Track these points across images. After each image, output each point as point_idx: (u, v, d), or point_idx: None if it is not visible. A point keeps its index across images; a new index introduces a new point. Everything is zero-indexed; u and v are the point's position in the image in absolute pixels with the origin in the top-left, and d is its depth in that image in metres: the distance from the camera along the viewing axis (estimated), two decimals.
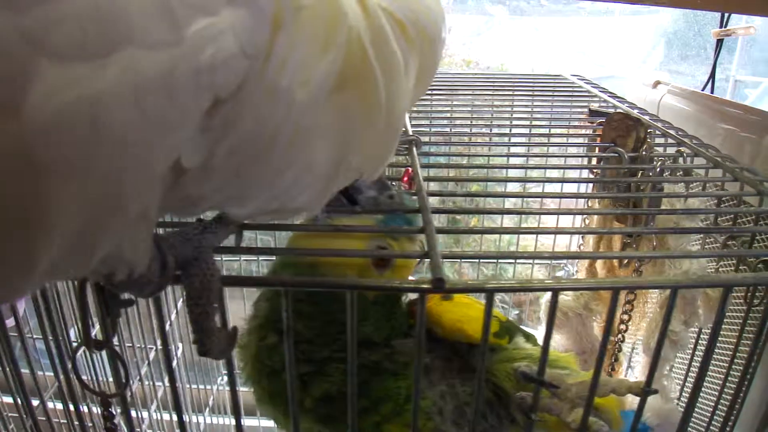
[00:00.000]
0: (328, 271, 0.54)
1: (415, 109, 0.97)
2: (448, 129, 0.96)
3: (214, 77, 0.30)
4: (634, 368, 0.96)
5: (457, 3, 2.59)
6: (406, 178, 0.66)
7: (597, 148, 0.80)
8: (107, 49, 0.26)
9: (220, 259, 0.99)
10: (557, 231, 0.61)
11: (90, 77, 0.25)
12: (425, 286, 0.42)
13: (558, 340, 0.92)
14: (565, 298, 0.87)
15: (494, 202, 1.10)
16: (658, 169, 0.70)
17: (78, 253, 0.29)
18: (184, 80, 0.28)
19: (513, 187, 0.99)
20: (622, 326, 0.80)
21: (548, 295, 0.83)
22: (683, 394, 0.86)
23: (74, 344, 0.70)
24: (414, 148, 0.71)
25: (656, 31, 2.45)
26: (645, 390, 0.51)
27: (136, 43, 0.27)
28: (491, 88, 1.10)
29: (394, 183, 0.63)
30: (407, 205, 0.54)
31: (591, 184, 0.86)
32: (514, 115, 0.98)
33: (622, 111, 0.77)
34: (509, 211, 0.63)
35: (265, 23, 0.32)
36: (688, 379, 0.84)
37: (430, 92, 1.07)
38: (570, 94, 1.07)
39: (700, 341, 0.81)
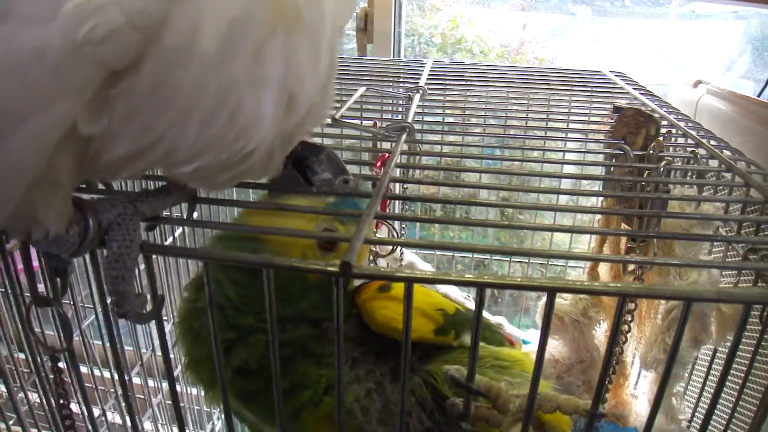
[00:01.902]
0: (272, 248, 0.54)
1: (429, 97, 0.96)
2: (460, 120, 0.94)
3: (97, 49, 0.31)
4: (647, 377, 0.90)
5: (539, 1, 2.52)
6: (379, 163, 0.65)
7: (605, 145, 0.76)
8: None
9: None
10: (540, 228, 0.57)
11: None
12: (332, 269, 0.41)
13: (555, 347, 0.87)
14: (561, 301, 0.82)
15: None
16: (662, 169, 0.65)
17: None
18: (61, 53, 0.30)
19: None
20: (622, 337, 0.75)
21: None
22: (695, 417, 0.81)
23: None
24: (404, 135, 0.70)
25: (744, 37, 2.27)
26: (592, 413, 0.48)
27: (14, 18, 0.29)
28: (514, 81, 1.06)
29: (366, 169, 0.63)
30: (361, 191, 0.54)
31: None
32: (530, 108, 0.95)
33: (635, 107, 0.72)
34: (478, 204, 0.61)
35: None
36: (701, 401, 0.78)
37: (450, 82, 1.05)
38: (601, 90, 1.02)
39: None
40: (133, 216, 0.44)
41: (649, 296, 0.75)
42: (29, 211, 0.37)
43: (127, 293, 0.43)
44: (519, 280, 0.42)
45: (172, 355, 1.10)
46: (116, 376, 0.95)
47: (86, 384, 0.97)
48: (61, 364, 0.53)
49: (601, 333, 0.86)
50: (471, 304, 1.11)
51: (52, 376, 0.53)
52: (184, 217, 0.55)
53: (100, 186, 0.54)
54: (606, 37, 2.46)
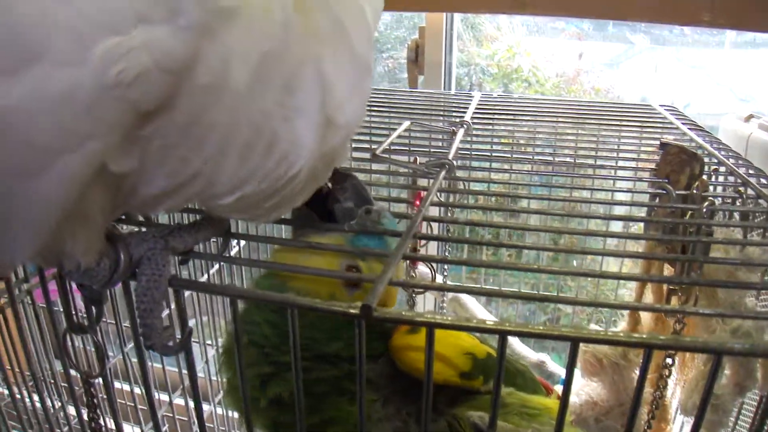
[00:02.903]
0: (302, 286, 0.55)
1: (475, 132, 0.96)
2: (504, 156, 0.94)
3: (127, 91, 0.32)
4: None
5: (597, 29, 2.49)
6: (417, 202, 0.65)
7: (648, 184, 0.74)
8: (16, 67, 0.30)
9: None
10: (575, 273, 0.56)
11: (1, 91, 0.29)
12: (353, 311, 0.41)
13: (594, 389, 0.84)
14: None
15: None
16: (704, 210, 0.63)
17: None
18: (92, 95, 0.32)
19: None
20: (662, 381, 0.72)
21: None
22: None
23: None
24: (442, 172, 0.70)
25: None
26: None
27: (45, 61, 0.30)
28: (563, 115, 1.05)
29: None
30: (384, 225, 0.54)
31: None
32: (579, 145, 0.93)
33: (679, 144, 0.70)
34: (509, 245, 0.60)
35: (187, 38, 0.34)
36: None
37: (497, 115, 1.05)
38: (651, 125, 0.99)
39: None
40: (163, 250, 0.46)
41: (676, 348, 0.71)
42: (59, 245, 0.39)
43: (154, 326, 0.45)
44: (541, 328, 0.42)
45: (214, 378, 1.13)
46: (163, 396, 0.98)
47: (128, 404, 1.02)
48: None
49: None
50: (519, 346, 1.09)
51: (86, 399, 0.55)
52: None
53: (140, 218, 0.56)
54: (665, 66, 2.40)
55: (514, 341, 1.06)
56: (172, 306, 0.51)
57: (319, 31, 0.41)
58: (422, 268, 1.12)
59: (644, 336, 0.40)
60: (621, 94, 2.38)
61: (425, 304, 1.47)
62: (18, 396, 0.77)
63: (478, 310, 1.17)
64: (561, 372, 1.00)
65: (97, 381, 0.56)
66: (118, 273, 0.44)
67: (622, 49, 2.50)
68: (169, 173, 0.39)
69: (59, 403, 0.80)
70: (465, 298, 1.10)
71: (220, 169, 0.39)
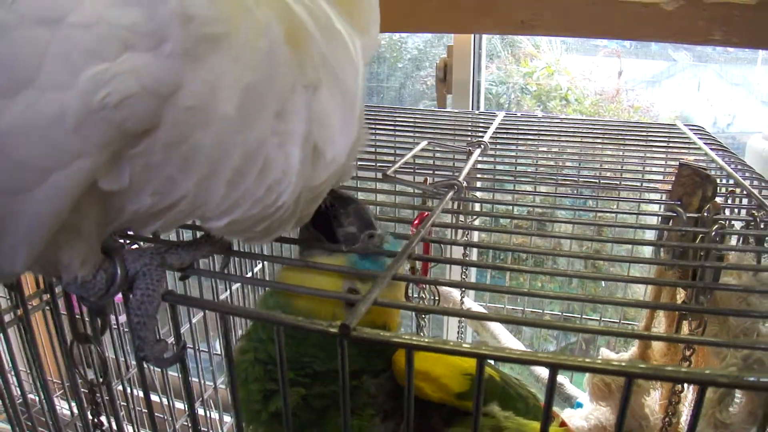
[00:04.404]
0: (305, 305, 0.57)
1: (492, 152, 0.95)
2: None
3: (113, 113, 0.34)
4: None
5: (638, 46, 2.46)
6: (416, 222, 0.65)
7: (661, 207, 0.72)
8: (10, 90, 0.33)
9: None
10: (594, 300, 0.55)
11: None
12: (333, 330, 0.42)
13: (603, 413, 0.83)
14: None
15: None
16: (713, 234, 0.61)
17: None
18: (79, 116, 0.34)
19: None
20: (671, 408, 0.70)
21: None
22: None
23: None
24: (450, 193, 0.70)
25: None
26: None
27: (36, 85, 0.33)
28: (587, 135, 1.04)
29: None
30: (385, 248, 0.55)
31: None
32: (603, 167, 0.92)
33: (693, 165, 0.69)
34: (512, 268, 0.60)
35: (172, 64, 0.36)
36: None
37: (518, 135, 1.04)
38: (674, 146, 0.97)
39: None
40: (159, 267, 0.47)
41: (656, 378, 0.68)
42: (54, 256, 0.41)
43: (147, 338, 0.47)
44: (519, 353, 0.42)
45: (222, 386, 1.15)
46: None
47: (144, 411, 1.04)
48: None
49: (654, 401, 0.81)
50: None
51: (91, 405, 0.57)
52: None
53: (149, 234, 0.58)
54: (707, 83, 2.34)
55: None
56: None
57: (309, 64, 0.42)
58: (447, 289, 1.12)
59: (623, 364, 0.40)
60: (660, 112, 2.34)
61: (448, 326, 1.47)
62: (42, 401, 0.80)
63: (502, 332, 1.15)
64: (579, 394, 0.98)
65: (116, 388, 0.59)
66: (114, 286, 0.46)
67: (664, 66, 2.45)
68: (155, 192, 0.40)
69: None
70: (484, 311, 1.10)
71: (209, 193, 0.41)
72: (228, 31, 0.37)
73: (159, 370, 1.04)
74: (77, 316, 0.60)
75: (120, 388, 0.87)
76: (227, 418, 1.21)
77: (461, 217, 0.80)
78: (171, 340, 0.50)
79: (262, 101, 0.40)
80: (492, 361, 0.65)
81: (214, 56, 0.37)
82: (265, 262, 1.05)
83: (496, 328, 1.14)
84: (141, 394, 1.03)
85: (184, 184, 0.40)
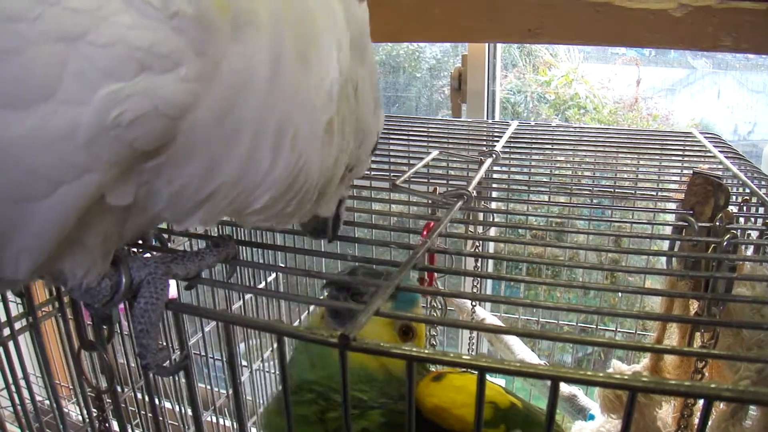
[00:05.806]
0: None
1: (504, 161, 0.95)
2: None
3: (125, 131, 0.35)
4: None
5: (658, 54, 2.44)
6: (425, 232, 0.65)
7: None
8: (27, 102, 0.34)
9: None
10: (610, 313, 0.54)
11: (10, 123, 0.33)
12: (332, 341, 0.42)
13: (615, 426, 0.81)
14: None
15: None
16: (725, 243, 0.60)
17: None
18: (90, 132, 0.35)
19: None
20: (683, 422, 0.69)
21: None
22: None
23: None
24: (458, 203, 0.69)
25: None
26: None
27: (55, 100, 0.34)
28: (601, 144, 1.03)
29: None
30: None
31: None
32: (618, 176, 0.91)
33: (705, 173, 0.68)
34: (517, 279, 0.59)
35: (188, 87, 0.37)
36: None
37: (532, 144, 1.04)
38: (689, 154, 0.96)
39: None
40: (163, 276, 0.48)
41: (657, 391, 0.67)
42: (60, 264, 0.42)
43: (149, 346, 0.47)
44: (518, 365, 0.41)
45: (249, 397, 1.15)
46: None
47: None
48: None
49: (666, 413, 0.79)
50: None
51: (97, 411, 0.58)
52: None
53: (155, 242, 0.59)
54: (727, 90, 2.31)
55: None
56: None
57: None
58: (461, 300, 1.12)
59: (625, 377, 0.39)
60: (679, 120, 2.31)
61: (462, 338, 1.46)
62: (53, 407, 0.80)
63: (516, 343, 1.14)
64: (592, 406, 0.97)
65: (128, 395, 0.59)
66: (119, 294, 0.46)
67: (683, 74, 2.42)
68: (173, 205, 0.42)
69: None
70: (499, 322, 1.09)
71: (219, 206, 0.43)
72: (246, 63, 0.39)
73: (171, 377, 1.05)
74: (87, 324, 0.61)
75: (131, 395, 0.87)
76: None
77: (471, 227, 0.80)
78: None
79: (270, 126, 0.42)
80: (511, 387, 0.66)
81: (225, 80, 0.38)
82: (279, 275, 1.05)
83: (510, 338, 1.13)
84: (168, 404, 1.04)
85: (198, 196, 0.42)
